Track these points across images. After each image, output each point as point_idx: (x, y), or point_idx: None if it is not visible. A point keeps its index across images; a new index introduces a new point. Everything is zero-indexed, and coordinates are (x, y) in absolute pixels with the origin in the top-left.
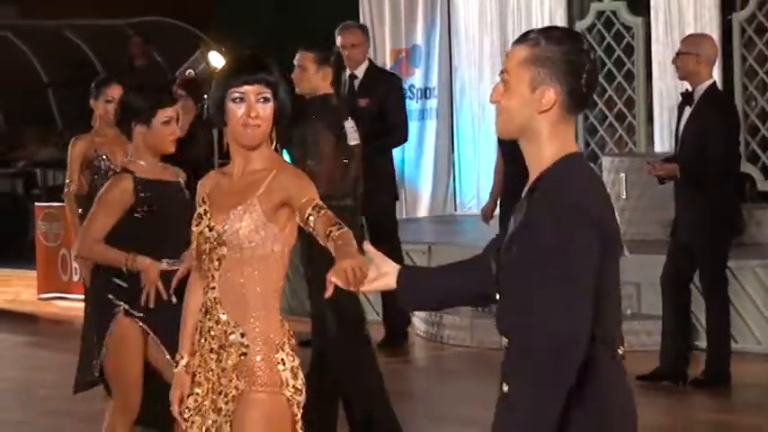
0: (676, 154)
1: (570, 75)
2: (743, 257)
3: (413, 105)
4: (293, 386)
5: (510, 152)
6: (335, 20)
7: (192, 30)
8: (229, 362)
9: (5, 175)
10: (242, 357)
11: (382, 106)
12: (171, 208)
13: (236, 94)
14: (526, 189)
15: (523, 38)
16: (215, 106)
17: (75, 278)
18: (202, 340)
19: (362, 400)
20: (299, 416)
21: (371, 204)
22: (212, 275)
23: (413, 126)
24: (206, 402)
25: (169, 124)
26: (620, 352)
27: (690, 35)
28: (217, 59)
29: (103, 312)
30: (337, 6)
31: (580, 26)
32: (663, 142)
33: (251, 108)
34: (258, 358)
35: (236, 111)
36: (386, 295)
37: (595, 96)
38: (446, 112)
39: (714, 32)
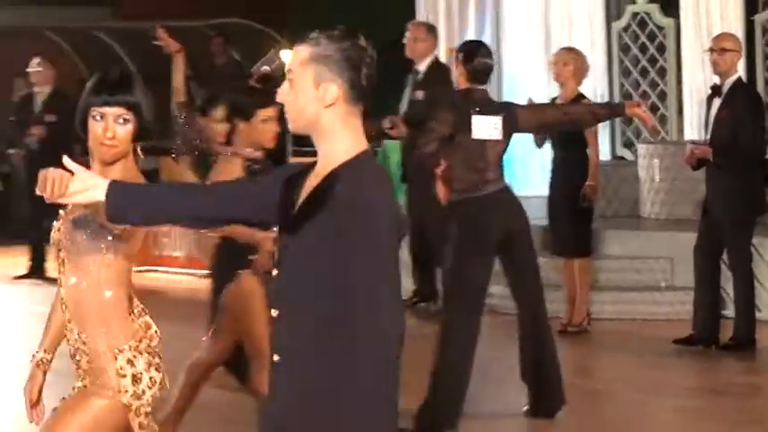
0: (707, 141)
1: (350, 70)
2: (766, 235)
3: None
4: (132, 392)
5: (559, 142)
6: (398, 19)
7: (266, 31)
8: (82, 365)
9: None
10: (88, 363)
11: (435, 98)
12: None
13: (96, 114)
14: (320, 180)
15: (306, 38)
16: (79, 118)
17: (165, 253)
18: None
19: (449, 370)
20: (142, 419)
21: None
22: (60, 278)
23: None
24: None
25: (268, 123)
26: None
27: (723, 34)
28: (289, 57)
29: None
30: (399, 6)
31: (617, 26)
32: (692, 131)
33: (107, 129)
34: (99, 364)
35: (96, 128)
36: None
37: (631, 90)
38: None
39: (738, 32)
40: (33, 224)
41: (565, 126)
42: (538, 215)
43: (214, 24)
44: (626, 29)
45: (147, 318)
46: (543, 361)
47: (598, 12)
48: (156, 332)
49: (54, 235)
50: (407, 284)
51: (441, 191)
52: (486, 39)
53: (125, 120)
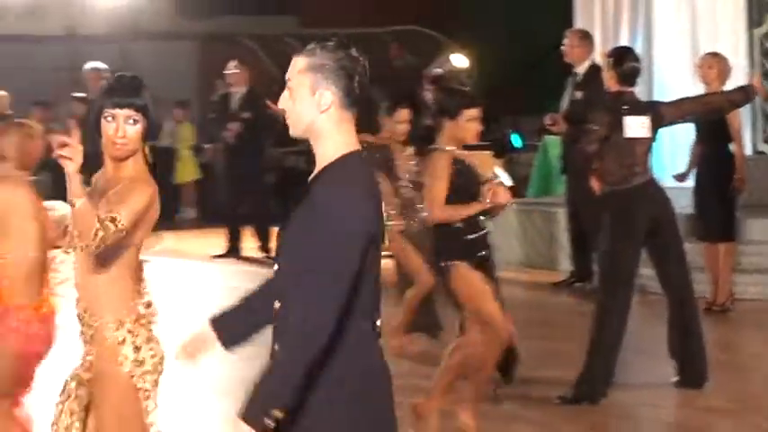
0: None
1: (344, 78)
2: None
3: None
4: (133, 359)
5: (705, 138)
6: (558, 27)
7: (438, 36)
8: (86, 336)
9: (292, 153)
10: (92, 335)
11: (591, 99)
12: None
13: (108, 115)
14: (311, 178)
15: (303, 49)
16: (93, 119)
17: None
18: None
19: (603, 344)
20: (147, 386)
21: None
22: (75, 260)
23: None
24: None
25: (472, 122)
26: (378, 324)
27: None
28: (459, 60)
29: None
30: (558, 14)
31: (758, 33)
32: None
33: (119, 129)
34: (103, 334)
35: (108, 129)
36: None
37: None
38: None
39: None
40: (230, 209)
41: (705, 114)
42: (683, 204)
43: (392, 31)
44: (767, 35)
45: (149, 297)
46: (690, 339)
47: (740, 19)
48: (155, 309)
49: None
50: (566, 266)
51: (595, 183)
52: (638, 45)
53: (134, 121)
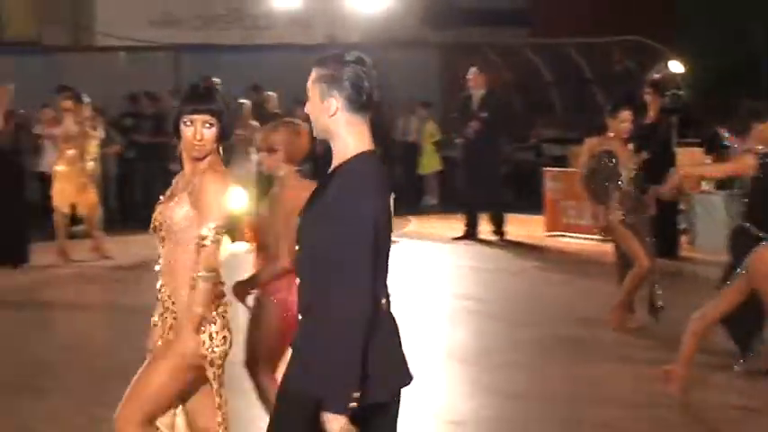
0: None
1: (349, 87)
2: None
3: None
4: (208, 345)
5: None
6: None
7: (657, 46)
8: (168, 322)
9: (523, 148)
10: (174, 320)
11: None
12: None
13: (187, 120)
14: (329, 171)
15: (316, 61)
16: (173, 123)
17: (572, 222)
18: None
19: None
20: (215, 370)
21: None
22: (160, 251)
23: None
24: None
25: None
26: (383, 302)
27: None
28: (675, 66)
29: None
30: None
31: None
32: None
33: (196, 132)
34: (183, 321)
35: (186, 132)
36: None
37: None
38: None
39: None
40: (468, 197)
41: None
42: None
43: (616, 41)
44: None
45: (223, 289)
46: None
47: None
48: (228, 301)
49: (155, 217)
50: None
51: None
52: None
53: (210, 125)
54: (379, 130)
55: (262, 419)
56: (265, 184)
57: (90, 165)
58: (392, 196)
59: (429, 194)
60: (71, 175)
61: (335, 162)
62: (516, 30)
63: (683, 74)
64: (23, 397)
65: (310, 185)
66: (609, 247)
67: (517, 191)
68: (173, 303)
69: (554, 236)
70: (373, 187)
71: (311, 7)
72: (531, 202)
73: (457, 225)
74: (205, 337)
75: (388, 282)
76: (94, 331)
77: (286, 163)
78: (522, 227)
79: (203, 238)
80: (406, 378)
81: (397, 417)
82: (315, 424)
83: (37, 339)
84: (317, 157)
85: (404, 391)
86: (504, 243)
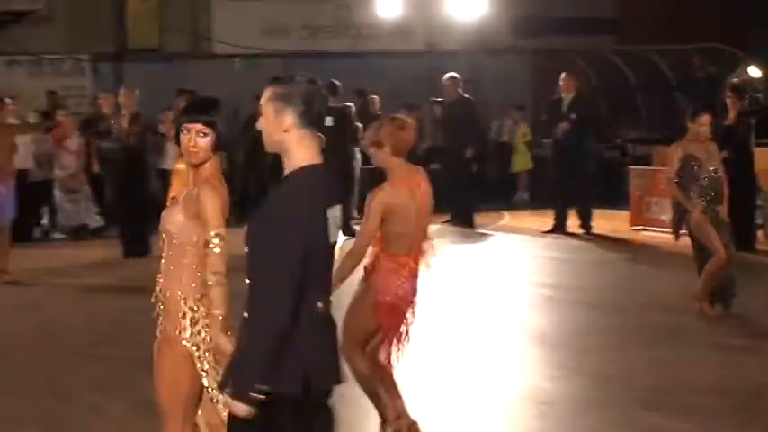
0: None
1: (301, 104)
2: None
3: None
4: (190, 332)
5: None
6: None
7: (737, 52)
8: (161, 311)
9: (609, 148)
10: (164, 308)
11: None
12: None
13: (184, 129)
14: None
15: (271, 81)
16: (175, 131)
17: (654, 216)
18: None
19: None
20: (201, 353)
21: None
22: (163, 249)
23: None
24: None
25: None
26: (319, 305)
27: None
28: (754, 71)
29: None
30: None
31: None
32: None
33: (191, 140)
34: (170, 307)
35: (184, 139)
36: None
37: None
38: None
39: None
40: (558, 193)
41: None
42: None
43: (696, 48)
44: None
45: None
46: None
47: None
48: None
49: (162, 220)
50: None
51: None
52: None
53: (204, 134)
54: (475, 131)
55: (363, 397)
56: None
57: None
58: (337, 207)
59: (521, 191)
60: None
61: (286, 172)
62: (602, 37)
63: (760, 78)
64: (138, 374)
65: (417, 176)
66: (688, 241)
67: (603, 188)
68: (164, 295)
69: (638, 230)
70: (308, 198)
71: (412, 17)
72: (616, 198)
73: (547, 219)
74: (186, 322)
75: (327, 286)
76: None
77: (393, 156)
78: (607, 221)
79: (210, 246)
80: (336, 379)
81: (331, 413)
82: (263, 419)
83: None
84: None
85: (496, 372)
86: (591, 236)
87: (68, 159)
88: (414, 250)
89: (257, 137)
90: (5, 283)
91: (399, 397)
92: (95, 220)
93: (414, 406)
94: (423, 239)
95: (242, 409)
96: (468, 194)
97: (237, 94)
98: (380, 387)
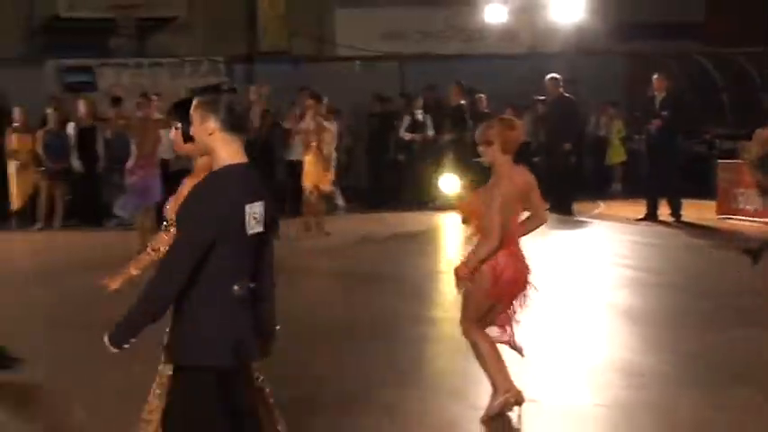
0: None
1: (222, 111)
2: None
3: None
4: None
5: None
6: None
7: None
8: None
9: (698, 143)
10: None
11: None
12: None
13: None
14: None
15: (197, 92)
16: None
17: (741, 206)
18: None
19: None
20: None
21: None
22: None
23: None
24: None
25: None
26: (235, 288)
27: None
28: None
29: None
30: None
31: None
32: None
33: (173, 133)
34: None
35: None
36: None
37: None
38: None
39: None
40: (650, 184)
41: None
42: None
43: None
44: None
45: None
46: None
47: None
48: None
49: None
50: None
51: None
52: None
53: (176, 128)
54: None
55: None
56: (479, 173)
57: (327, 152)
58: (258, 203)
59: (615, 182)
60: (314, 162)
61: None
62: (691, 41)
63: None
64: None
65: (523, 172)
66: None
67: (692, 180)
68: None
69: (724, 218)
70: (221, 194)
71: (517, 22)
72: (704, 189)
73: (639, 208)
74: None
75: (250, 272)
76: (334, 293)
77: (502, 154)
78: (696, 210)
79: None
80: (249, 354)
81: (244, 382)
82: (191, 387)
83: (284, 297)
84: None
85: (587, 344)
86: (681, 224)
87: None
88: (518, 235)
89: (373, 129)
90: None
91: (507, 369)
92: None
93: (515, 376)
94: (528, 226)
95: (111, 351)
96: (567, 185)
97: (358, 93)
98: (493, 359)
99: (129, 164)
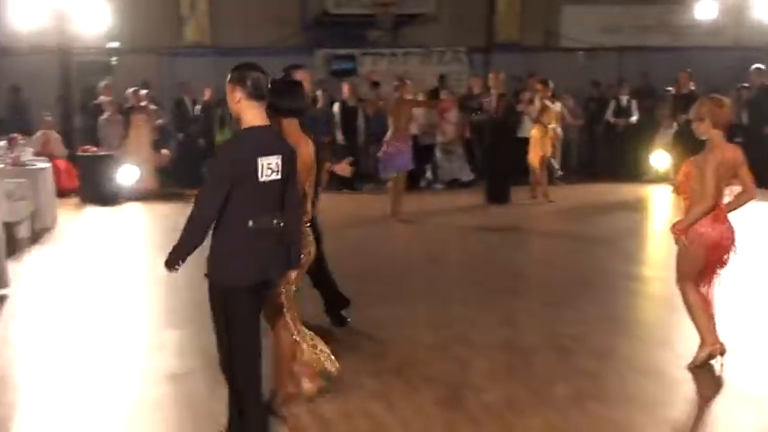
0: None
1: (245, 84)
2: None
3: None
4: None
5: None
6: None
7: None
8: None
9: None
10: None
11: None
12: None
13: None
14: None
15: (232, 69)
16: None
17: None
18: None
19: None
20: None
21: None
22: None
23: None
24: None
25: None
26: (250, 224)
27: None
28: None
29: None
30: None
31: None
32: None
33: None
34: None
35: None
36: None
37: None
38: None
39: None
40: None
41: None
42: None
43: None
44: None
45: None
46: None
47: None
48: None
49: None
50: None
51: None
52: None
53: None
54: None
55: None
56: (689, 145)
57: (551, 130)
58: (273, 156)
59: None
60: (540, 138)
61: None
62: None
63: None
64: (505, 296)
65: (734, 148)
66: None
67: None
68: None
69: None
70: (240, 147)
71: (724, 18)
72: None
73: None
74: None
75: (271, 210)
76: (558, 252)
77: (713, 129)
78: None
79: None
80: (265, 273)
81: (260, 299)
82: (226, 302)
83: (516, 256)
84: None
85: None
86: None
87: (448, 128)
88: (725, 205)
89: (590, 111)
90: (401, 221)
91: (715, 323)
92: (467, 175)
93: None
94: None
95: (168, 271)
96: (765, 164)
97: (580, 80)
98: (703, 313)
99: (386, 137)
